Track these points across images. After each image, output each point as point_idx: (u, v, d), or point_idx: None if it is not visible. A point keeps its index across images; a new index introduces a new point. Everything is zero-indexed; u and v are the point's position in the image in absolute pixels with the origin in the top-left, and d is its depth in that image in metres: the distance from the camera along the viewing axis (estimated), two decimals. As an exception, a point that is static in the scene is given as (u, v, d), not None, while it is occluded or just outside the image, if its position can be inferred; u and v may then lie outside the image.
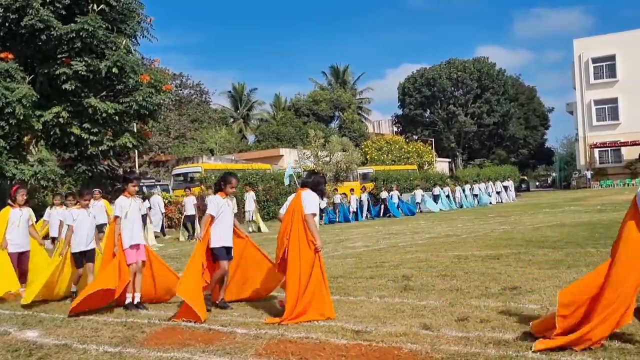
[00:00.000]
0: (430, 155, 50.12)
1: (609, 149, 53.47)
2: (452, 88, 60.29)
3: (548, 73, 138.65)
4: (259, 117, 67.15)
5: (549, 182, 78.34)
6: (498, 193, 36.41)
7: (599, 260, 9.03)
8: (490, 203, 33.89)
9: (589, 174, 51.22)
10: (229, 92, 67.20)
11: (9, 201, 8.98)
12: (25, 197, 8.98)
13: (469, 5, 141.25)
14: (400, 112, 65.15)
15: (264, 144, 52.70)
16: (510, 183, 39.62)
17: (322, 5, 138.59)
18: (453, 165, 60.69)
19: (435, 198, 30.89)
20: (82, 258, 7.88)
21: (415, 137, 58.71)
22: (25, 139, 18.48)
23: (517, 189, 51.09)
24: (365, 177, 37.34)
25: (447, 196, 31.39)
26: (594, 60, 53.53)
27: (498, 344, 4.76)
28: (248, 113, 67.31)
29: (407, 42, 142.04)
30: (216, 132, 47.00)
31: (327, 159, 33.42)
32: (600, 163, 53.92)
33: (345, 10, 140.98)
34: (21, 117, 16.67)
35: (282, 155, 42.03)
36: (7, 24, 17.39)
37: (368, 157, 46.07)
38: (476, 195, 33.75)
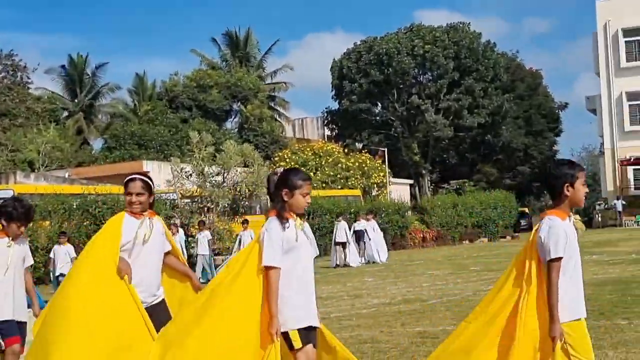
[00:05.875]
0: (382, 174, 50.31)
1: (649, 166, 54.22)
2: (417, 70, 60.54)
3: (536, 52, 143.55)
4: (111, 110, 66.19)
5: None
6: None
7: (633, 337, 9.31)
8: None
9: (619, 204, 51.36)
10: (62, 67, 65.97)
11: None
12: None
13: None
14: (335, 106, 64.93)
15: (117, 154, 51.86)
16: (372, 225, 31.42)
17: None
18: (417, 189, 61.08)
19: None
20: None
21: (359, 145, 58.90)
22: None
23: (515, 227, 51.59)
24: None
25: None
26: (626, 33, 54.36)
27: None
28: (92, 103, 66.22)
29: (312, 6, 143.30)
30: (39, 133, 45.85)
31: (220, 177, 33.11)
32: (635, 188, 55.15)
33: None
34: None
35: (148, 172, 41.48)
36: None
37: (285, 175, 45.96)
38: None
